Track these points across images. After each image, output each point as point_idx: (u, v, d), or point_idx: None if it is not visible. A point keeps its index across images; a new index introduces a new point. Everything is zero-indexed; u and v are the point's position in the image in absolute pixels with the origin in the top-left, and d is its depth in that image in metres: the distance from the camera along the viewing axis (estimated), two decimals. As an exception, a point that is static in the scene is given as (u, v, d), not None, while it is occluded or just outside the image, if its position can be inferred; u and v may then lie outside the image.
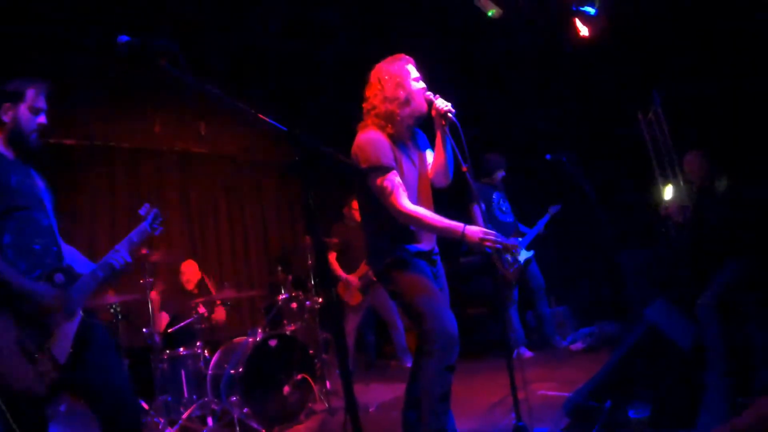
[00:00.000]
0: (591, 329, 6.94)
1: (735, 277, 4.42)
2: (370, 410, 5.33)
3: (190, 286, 6.55)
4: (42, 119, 3.04)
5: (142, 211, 3.38)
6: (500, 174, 7.28)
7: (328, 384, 5.63)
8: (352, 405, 1.85)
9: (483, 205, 7.06)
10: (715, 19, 5.85)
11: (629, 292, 6.12)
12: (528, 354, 6.74)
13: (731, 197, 4.72)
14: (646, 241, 6.50)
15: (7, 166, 2.94)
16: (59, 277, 2.91)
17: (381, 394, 5.73)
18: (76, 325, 2.90)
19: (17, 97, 2.98)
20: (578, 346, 6.75)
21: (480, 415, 4.56)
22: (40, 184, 3.09)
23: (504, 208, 7.26)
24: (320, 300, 5.83)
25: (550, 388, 4.88)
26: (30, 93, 3.01)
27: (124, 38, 2.37)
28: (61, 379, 2.79)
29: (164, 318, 6.23)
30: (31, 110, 3.01)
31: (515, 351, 6.68)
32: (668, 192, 5.41)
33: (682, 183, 5.88)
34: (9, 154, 2.99)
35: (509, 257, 6.96)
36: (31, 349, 2.71)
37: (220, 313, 6.38)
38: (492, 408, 4.62)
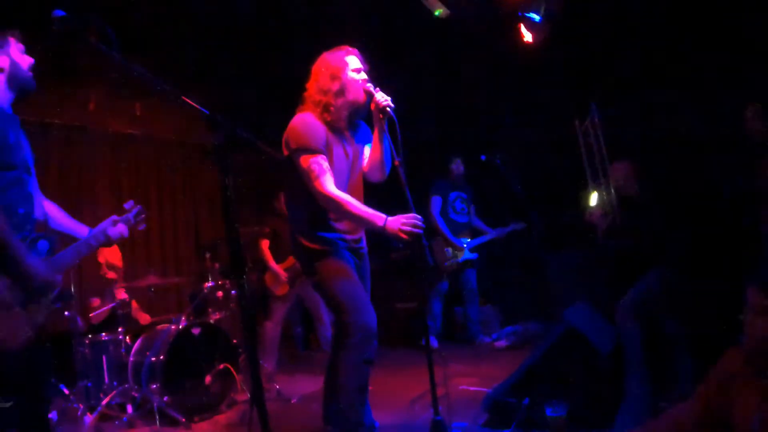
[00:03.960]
0: (515, 328, 7.10)
1: (653, 285, 4.55)
2: (293, 401, 5.32)
3: (111, 274, 6.36)
4: (30, 58, 3.02)
5: (127, 205, 3.33)
6: (455, 167, 7.43)
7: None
8: (258, 395, 1.84)
9: (438, 199, 7.25)
10: (657, 32, 6.01)
11: (553, 293, 6.25)
12: (435, 344, 6.88)
13: (651, 208, 4.86)
14: (575, 244, 6.65)
15: (7, 119, 2.89)
16: (43, 244, 2.85)
17: (305, 386, 5.71)
18: (55, 293, 2.83)
19: (3, 43, 2.94)
20: (502, 343, 6.89)
21: (400, 409, 4.59)
22: (27, 146, 3.02)
23: (458, 208, 7.43)
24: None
25: (471, 384, 4.95)
26: (11, 37, 2.98)
27: (59, 12, 2.33)
28: (34, 341, 2.71)
29: (95, 301, 6.09)
30: (20, 51, 2.99)
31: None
32: (593, 199, 5.54)
33: (612, 191, 6.01)
34: (7, 105, 2.94)
35: (449, 251, 7.12)
36: (9, 301, 2.61)
37: (144, 318, 6.28)
38: (413, 402, 4.66)
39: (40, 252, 2.82)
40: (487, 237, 7.44)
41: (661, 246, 4.67)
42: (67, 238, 3.13)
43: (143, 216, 3.36)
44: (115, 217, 3.18)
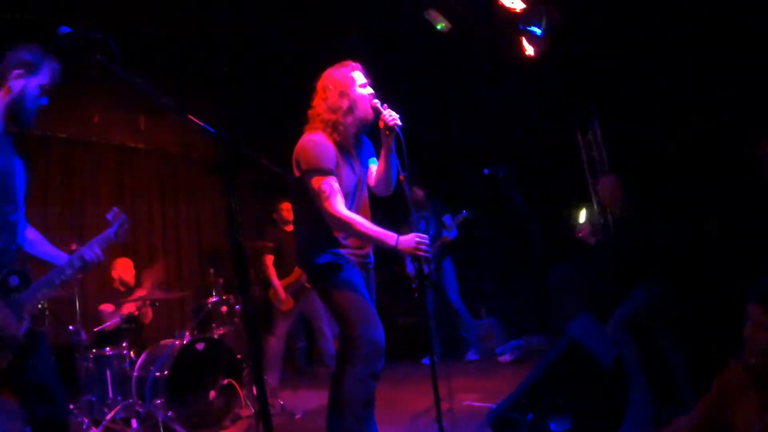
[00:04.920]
0: (519, 342, 7.06)
1: (643, 300, 4.55)
2: (297, 417, 5.32)
3: (122, 289, 6.37)
4: (44, 101, 2.92)
5: (109, 216, 3.26)
6: (413, 193, 7.51)
7: (254, 389, 5.56)
8: (265, 411, 1.85)
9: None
10: (657, 46, 6.03)
11: (556, 306, 6.25)
12: (426, 361, 6.92)
13: (636, 223, 4.86)
14: (578, 256, 6.66)
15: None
16: (14, 280, 2.77)
17: (309, 401, 5.72)
18: (23, 332, 2.75)
19: (32, 69, 2.85)
20: (506, 358, 6.86)
21: (405, 424, 4.59)
22: (19, 169, 2.93)
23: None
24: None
25: (475, 399, 4.95)
26: (45, 69, 2.88)
27: (64, 29, 2.34)
28: None
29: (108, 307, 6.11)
30: (40, 88, 2.88)
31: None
32: (582, 214, 5.54)
33: (600, 206, 6.02)
34: (1, 126, 2.82)
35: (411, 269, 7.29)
36: None
37: (147, 313, 6.27)
38: (416, 417, 4.65)
39: (10, 287, 2.75)
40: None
41: (649, 261, 4.67)
42: (44, 265, 3.05)
43: (126, 227, 3.28)
44: (93, 241, 3.11)
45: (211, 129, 2.10)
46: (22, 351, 2.75)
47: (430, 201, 7.68)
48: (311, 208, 3.30)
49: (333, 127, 3.35)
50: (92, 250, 3.05)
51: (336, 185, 3.26)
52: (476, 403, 4.84)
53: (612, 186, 5.10)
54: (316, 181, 3.25)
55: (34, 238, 3.14)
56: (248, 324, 2.21)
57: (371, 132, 3.55)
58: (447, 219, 7.45)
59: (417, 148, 3.84)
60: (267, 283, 6.26)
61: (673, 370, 4.42)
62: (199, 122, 2.11)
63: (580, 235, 5.10)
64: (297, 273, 6.08)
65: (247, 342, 2.08)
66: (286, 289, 6.09)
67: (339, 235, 3.39)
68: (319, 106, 3.42)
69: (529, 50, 6.59)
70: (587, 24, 6.47)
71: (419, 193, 7.65)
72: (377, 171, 3.58)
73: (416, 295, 7.49)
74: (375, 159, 3.65)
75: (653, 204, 5.30)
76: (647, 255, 4.64)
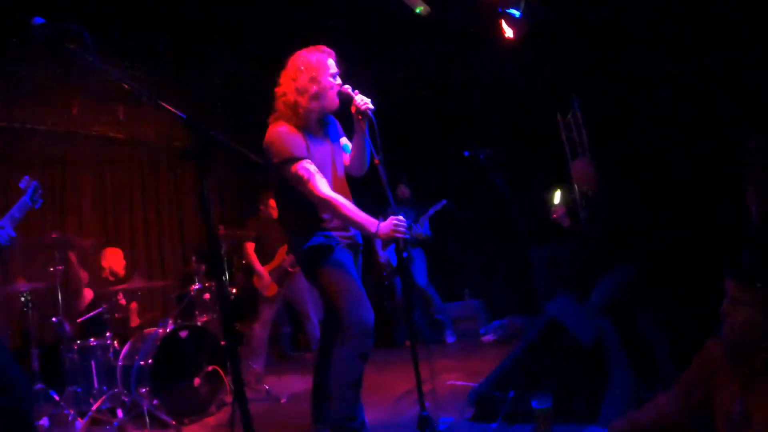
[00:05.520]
0: (502, 322, 7.12)
1: (618, 282, 4.59)
2: (282, 401, 5.35)
3: (112, 279, 6.37)
4: None
5: (21, 184, 3.27)
6: (399, 191, 7.53)
7: (245, 375, 5.58)
8: (240, 395, 1.86)
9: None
10: (637, 26, 6.05)
11: (537, 286, 6.29)
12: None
13: (608, 207, 4.90)
14: (558, 237, 6.70)
15: None
16: None
17: (294, 385, 5.75)
18: None
19: None
20: (489, 338, 6.93)
21: (388, 405, 4.63)
22: None
23: None
24: (234, 291, 5.79)
25: (458, 379, 4.99)
26: None
27: (38, 20, 2.33)
28: None
29: (89, 295, 6.08)
30: None
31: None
32: (557, 196, 5.57)
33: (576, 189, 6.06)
34: None
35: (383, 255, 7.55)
36: None
37: (134, 321, 6.29)
38: (400, 398, 4.69)
39: None
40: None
41: (623, 243, 4.70)
42: None
43: (40, 192, 3.31)
44: (11, 211, 3.12)
45: (182, 115, 2.10)
46: None
47: (413, 202, 7.73)
48: (295, 194, 3.31)
49: (293, 110, 3.35)
50: (5, 233, 3.07)
51: (313, 167, 3.27)
52: (459, 383, 4.88)
53: (586, 169, 5.14)
54: (293, 169, 3.26)
55: None
56: (222, 307, 2.22)
57: (342, 115, 3.57)
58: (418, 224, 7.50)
59: (394, 129, 3.86)
60: (251, 271, 6.27)
61: (654, 348, 4.47)
62: (171, 108, 2.12)
63: (554, 216, 5.14)
64: (279, 258, 6.10)
65: (221, 326, 2.07)
66: (269, 275, 6.10)
67: (326, 217, 3.40)
68: (286, 84, 3.41)
69: (509, 32, 6.60)
70: (567, 4, 6.48)
71: (405, 191, 7.71)
72: (351, 153, 3.61)
73: (387, 282, 7.57)
74: (345, 138, 3.68)
75: (631, 185, 5.33)
76: (621, 237, 4.69)
